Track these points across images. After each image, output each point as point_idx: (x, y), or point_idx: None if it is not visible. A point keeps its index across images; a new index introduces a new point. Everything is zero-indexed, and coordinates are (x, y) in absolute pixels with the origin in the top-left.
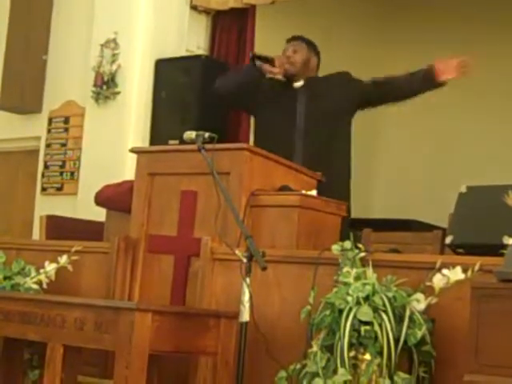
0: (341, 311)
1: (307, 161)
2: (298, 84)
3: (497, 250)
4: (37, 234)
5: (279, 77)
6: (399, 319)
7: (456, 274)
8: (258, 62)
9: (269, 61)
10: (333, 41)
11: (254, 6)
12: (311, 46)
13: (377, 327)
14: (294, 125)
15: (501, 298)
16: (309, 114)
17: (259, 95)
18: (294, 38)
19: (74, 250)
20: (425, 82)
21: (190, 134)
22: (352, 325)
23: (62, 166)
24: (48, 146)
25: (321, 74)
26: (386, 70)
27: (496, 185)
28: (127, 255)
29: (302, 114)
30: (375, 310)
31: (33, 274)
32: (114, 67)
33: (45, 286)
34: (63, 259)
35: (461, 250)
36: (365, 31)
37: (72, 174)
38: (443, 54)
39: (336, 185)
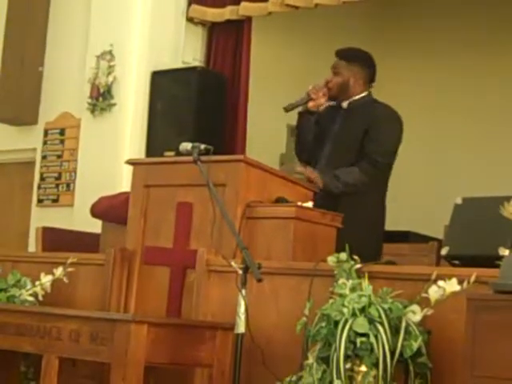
0: (336, 323)
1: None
2: (344, 104)
3: (493, 261)
4: (33, 245)
5: (327, 103)
6: (395, 331)
7: (452, 286)
8: (299, 110)
9: (305, 103)
10: (330, 51)
11: (250, 18)
12: (353, 60)
13: (373, 339)
14: (324, 146)
15: (497, 309)
16: (339, 135)
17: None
18: (336, 54)
19: (69, 261)
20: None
21: (186, 146)
22: (348, 336)
23: (58, 178)
24: (44, 157)
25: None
26: (382, 79)
27: (492, 196)
28: (123, 267)
29: (333, 137)
30: (371, 321)
31: (28, 286)
32: (110, 79)
33: (40, 298)
34: (59, 271)
35: (456, 262)
36: (362, 41)
37: (68, 185)
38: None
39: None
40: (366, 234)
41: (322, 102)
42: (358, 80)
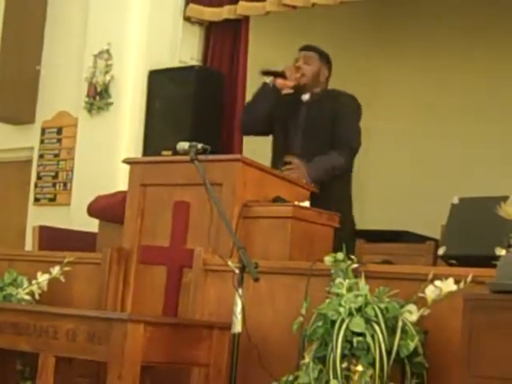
0: (333, 322)
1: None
2: (305, 97)
3: (489, 261)
4: (29, 244)
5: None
6: (391, 330)
7: (448, 286)
8: (269, 79)
9: (280, 75)
10: (327, 51)
11: (247, 17)
12: (323, 56)
13: (369, 338)
14: (294, 138)
15: (493, 309)
16: (308, 127)
17: (275, 113)
18: (306, 48)
19: (66, 260)
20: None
21: (183, 145)
22: (344, 336)
23: (55, 177)
24: (41, 156)
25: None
26: (382, 79)
27: (488, 196)
28: (120, 266)
29: (301, 128)
30: (367, 321)
31: (25, 284)
32: (108, 78)
33: (37, 296)
34: (55, 270)
35: (453, 262)
36: (360, 39)
37: (65, 184)
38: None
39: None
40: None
41: (289, 85)
42: (325, 73)
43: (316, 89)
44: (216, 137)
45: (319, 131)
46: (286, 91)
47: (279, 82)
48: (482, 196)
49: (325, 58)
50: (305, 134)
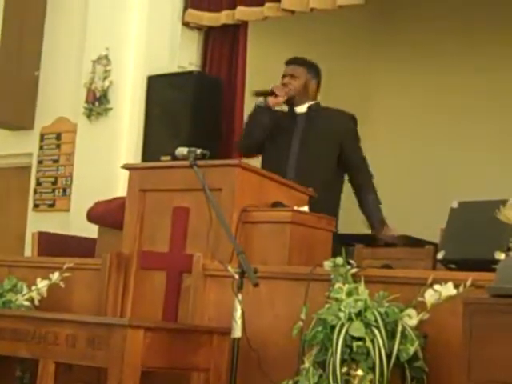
0: (333, 327)
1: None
2: (301, 109)
3: (489, 265)
4: (29, 250)
5: (284, 106)
6: (391, 335)
7: (448, 290)
8: (260, 100)
9: (270, 93)
10: (326, 55)
11: (246, 23)
12: (310, 67)
13: (369, 343)
14: (288, 149)
15: (493, 313)
16: (305, 140)
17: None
18: (291, 62)
19: (65, 266)
20: (367, 220)
21: (182, 151)
22: (344, 341)
23: (54, 183)
24: (40, 162)
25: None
26: (380, 82)
27: (487, 200)
28: (119, 271)
29: (297, 139)
30: (367, 325)
31: (24, 290)
32: (106, 83)
33: (36, 302)
34: (55, 276)
35: (453, 266)
36: (358, 44)
37: (64, 190)
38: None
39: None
40: None
41: (280, 101)
42: (314, 86)
43: (308, 101)
44: (215, 142)
45: (317, 144)
46: (278, 107)
47: (271, 100)
48: (481, 200)
49: (313, 70)
50: (302, 145)
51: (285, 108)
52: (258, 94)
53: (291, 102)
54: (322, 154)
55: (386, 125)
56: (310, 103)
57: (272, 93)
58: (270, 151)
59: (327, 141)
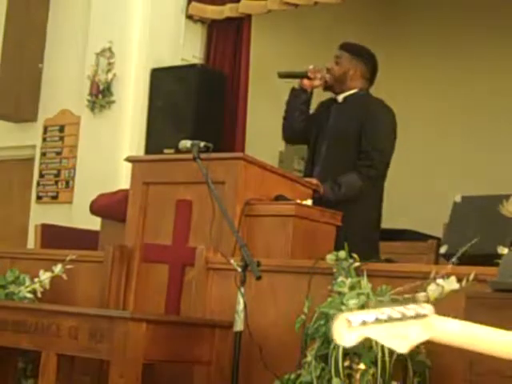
0: None
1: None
2: (340, 98)
3: (491, 259)
4: (32, 242)
5: (321, 88)
6: None
7: (450, 284)
8: (295, 82)
9: (301, 76)
10: (330, 49)
11: (249, 15)
12: (357, 55)
13: None
14: (321, 146)
15: (495, 307)
16: (334, 130)
17: (313, 117)
18: (340, 46)
19: (68, 258)
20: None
21: (186, 143)
22: None
23: (57, 175)
24: (43, 154)
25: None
26: (384, 77)
27: (490, 195)
28: (122, 264)
29: (327, 135)
30: None
31: (27, 282)
32: (110, 76)
33: (39, 294)
34: (58, 268)
35: (455, 260)
36: (363, 38)
37: (67, 182)
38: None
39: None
40: (361, 237)
41: (316, 84)
42: (357, 74)
43: (350, 90)
44: (218, 135)
45: (345, 135)
46: (309, 90)
47: (305, 82)
48: (484, 194)
49: (361, 58)
50: (331, 138)
51: (321, 89)
52: (282, 75)
53: (333, 90)
54: (347, 153)
55: None
56: (350, 92)
57: (304, 76)
58: (308, 147)
59: (353, 129)
